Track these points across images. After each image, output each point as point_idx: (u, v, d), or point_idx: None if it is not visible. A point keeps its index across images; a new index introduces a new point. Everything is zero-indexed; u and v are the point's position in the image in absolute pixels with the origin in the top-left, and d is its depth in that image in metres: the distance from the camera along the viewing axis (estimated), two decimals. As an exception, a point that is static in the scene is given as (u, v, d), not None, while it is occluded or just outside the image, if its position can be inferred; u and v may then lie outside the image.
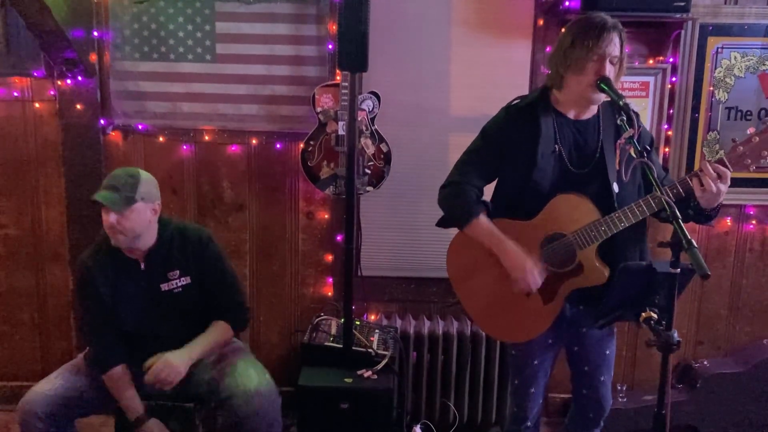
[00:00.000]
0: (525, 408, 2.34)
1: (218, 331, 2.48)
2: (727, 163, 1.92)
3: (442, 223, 2.27)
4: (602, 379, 2.32)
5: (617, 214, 2.01)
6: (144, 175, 2.36)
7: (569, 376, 2.42)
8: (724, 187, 1.91)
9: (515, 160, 2.12)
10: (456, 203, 2.17)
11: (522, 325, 2.21)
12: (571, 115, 2.13)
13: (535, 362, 2.27)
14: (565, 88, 2.10)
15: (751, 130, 1.96)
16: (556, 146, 2.09)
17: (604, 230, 2.03)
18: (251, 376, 2.41)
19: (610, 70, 2.01)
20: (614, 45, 2.00)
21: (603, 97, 2.04)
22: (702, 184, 1.90)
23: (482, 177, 2.18)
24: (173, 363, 2.30)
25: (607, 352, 2.31)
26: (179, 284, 2.43)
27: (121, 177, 2.31)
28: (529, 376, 2.30)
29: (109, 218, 2.28)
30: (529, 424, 2.39)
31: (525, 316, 2.19)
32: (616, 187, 2.08)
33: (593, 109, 2.16)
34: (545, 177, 2.09)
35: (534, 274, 2.09)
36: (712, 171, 1.89)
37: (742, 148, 1.93)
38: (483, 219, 2.14)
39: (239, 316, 2.55)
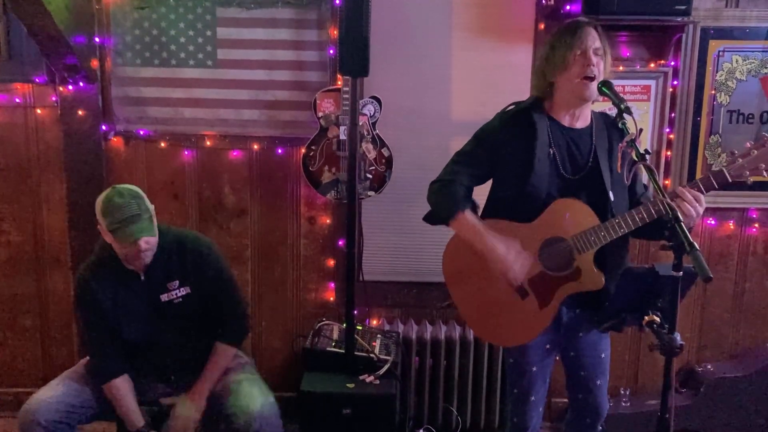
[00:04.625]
0: (525, 417, 2.30)
1: (221, 360, 2.48)
2: (727, 175, 1.96)
3: (429, 218, 2.26)
4: (598, 383, 2.30)
5: (617, 220, 2.02)
6: (134, 187, 2.34)
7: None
8: (700, 210, 1.95)
9: (511, 164, 2.12)
10: (442, 198, 2.16)
11: (516, 329, 2.19)
12: (565, 122, 2.14)
13: (534, 369, 2.24)
14: (557, 92, 2.11)
15: (748, 145, 1.99)
16: (551, 150, 2.09)
17: (604, 236, 2.02)
18: (254, 397, 2.39)
19: (597, 62, 2.03)
20: (593, 37, 2.04)
21: (596, 93, 2.05)
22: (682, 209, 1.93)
23: (471, 178, 2.18)
24: (185, 416, 2.37)
25: (603, 356, 2.29)
26: (179, 294, 2.42)
27: (130, 203, 2.24)
28: (528, 384, 2.25)
29: (140, 244, 2.25)
30: None
31: (519, 320, 2.17)
32: (611, 195, 2.08)
33: (586, 118, 2.16)
34: (542, 181, 2.08)
35: (515, 269, 2.07)
36: (689, 195, 1.93)
37: (741, 160, 1.96)
38: (468, 214, 2.12)
39: (239, 326, 2.54)
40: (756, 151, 1.95)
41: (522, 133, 2.10)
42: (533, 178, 2.07)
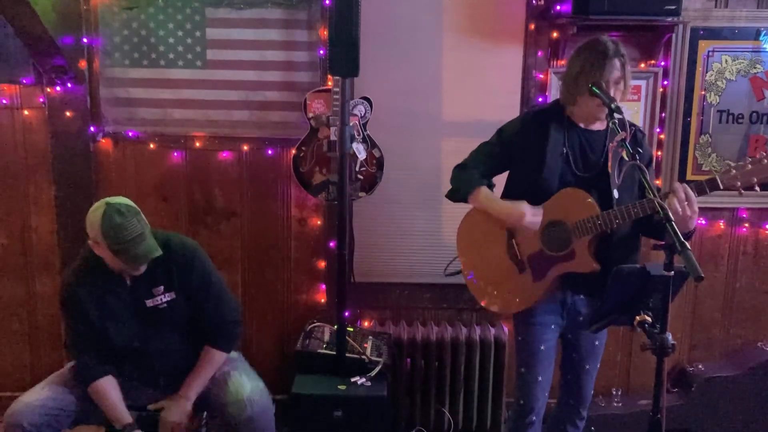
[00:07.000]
0: (531, 398, 2.40)
1: (210, 364, 2.46)
2: (719, 183, 2.04)
3: (450, 195, 2.49)
4: (587, 367, 2.44)
5: (613, 212, 2.17)
6: (127, 200, 2.31)
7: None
8: (689, 211, 2.03)
9: (526, 160, 2.32)
10: (462, 178, 2.41)
11: (511, 297, 2.39)
12: (581, 125, 2.30)
13: (542, 347, 2.36)
14: (577, 106, 2.27)
15: (747, 159, 2.09)
16: (564, 149, 2.27)
17: (600, 224, 2.18)
18: (244, 384, 2.41)
19: (614, 93, 2.19)
20: (616, 70, 2.19)
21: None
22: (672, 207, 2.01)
23: (489, 167, 2.41)
24: (172, 421, 2.35)
25: (597, 343, 2.44)
26: (164, 300, 2.39)
27: (132, 221, 2.21)
28: (536, 363, 2.38)
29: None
30: (534, 418, 2.43)
31: (515, 290, 2.38)
32: (616, 194, 2.22)
33: (603, 121, 2.30)
34: (553, 176, 2.27)
35: (528, 214, 2.26)
36: (682, 194, 2.03)
37: (734, 171, 2.04)
38: (484, 189, 2.38)
39: (229, 332, 2.51)
40: (750, 165, 2.04)
41: (538, 132, 2.29)
42: (545, 173, 2.27)
